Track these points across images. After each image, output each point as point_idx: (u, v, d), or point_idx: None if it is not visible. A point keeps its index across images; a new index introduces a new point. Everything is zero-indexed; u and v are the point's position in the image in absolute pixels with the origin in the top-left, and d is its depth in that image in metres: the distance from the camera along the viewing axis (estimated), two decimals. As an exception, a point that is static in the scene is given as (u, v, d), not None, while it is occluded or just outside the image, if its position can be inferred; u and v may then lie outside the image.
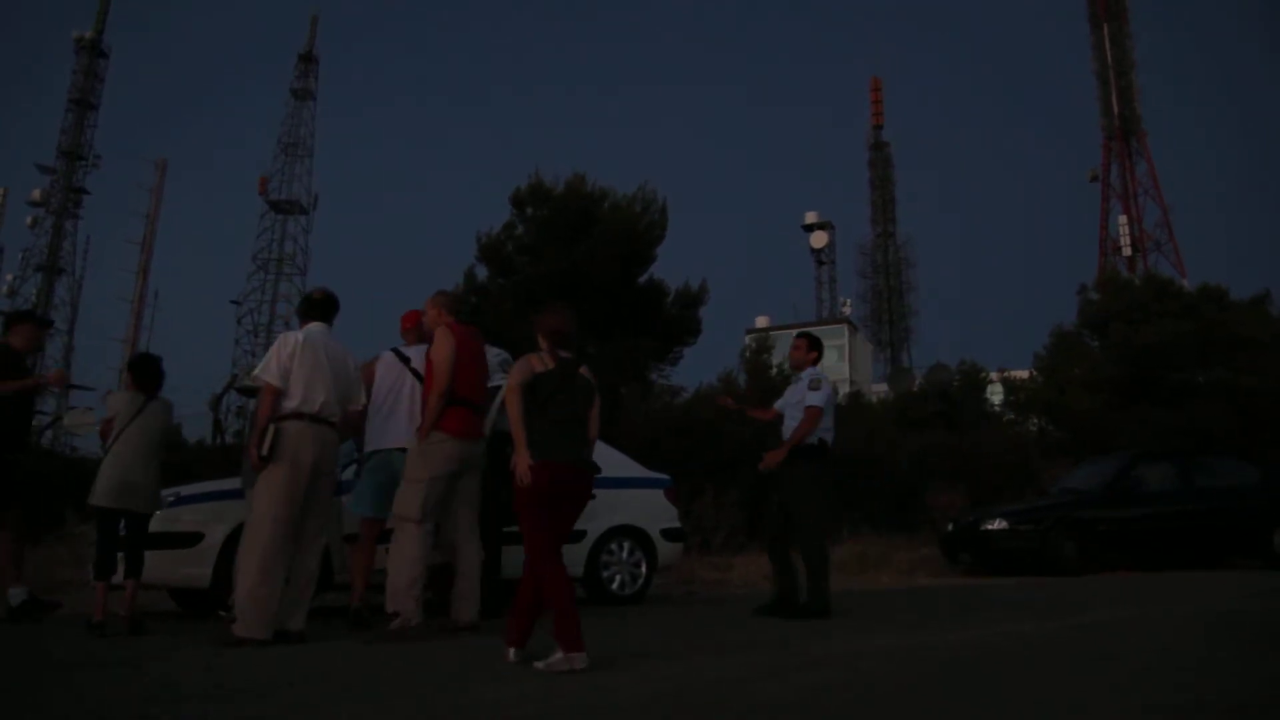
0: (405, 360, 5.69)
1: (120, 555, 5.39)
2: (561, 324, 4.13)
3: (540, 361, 4.02)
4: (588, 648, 3.65)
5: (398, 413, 5.55)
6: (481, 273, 18.12)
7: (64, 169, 47.17)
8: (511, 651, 3.95)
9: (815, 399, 6.00)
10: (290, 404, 4.81)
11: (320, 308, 5.29)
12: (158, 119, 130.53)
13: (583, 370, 4.15)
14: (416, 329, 5.87)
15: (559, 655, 3.67)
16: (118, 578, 5.34)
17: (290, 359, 4.85)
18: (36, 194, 47.52)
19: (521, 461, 3.85)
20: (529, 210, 17.86)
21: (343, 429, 5.25)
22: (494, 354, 6.69)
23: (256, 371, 4.84)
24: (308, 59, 51.07)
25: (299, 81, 50.67)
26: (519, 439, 3.91)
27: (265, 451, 4.66)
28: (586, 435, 4.12)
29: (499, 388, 5.98)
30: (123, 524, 5.41)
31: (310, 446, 4.81)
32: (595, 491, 7.01)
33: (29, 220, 47.56)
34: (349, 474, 6.00)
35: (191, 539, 5.81)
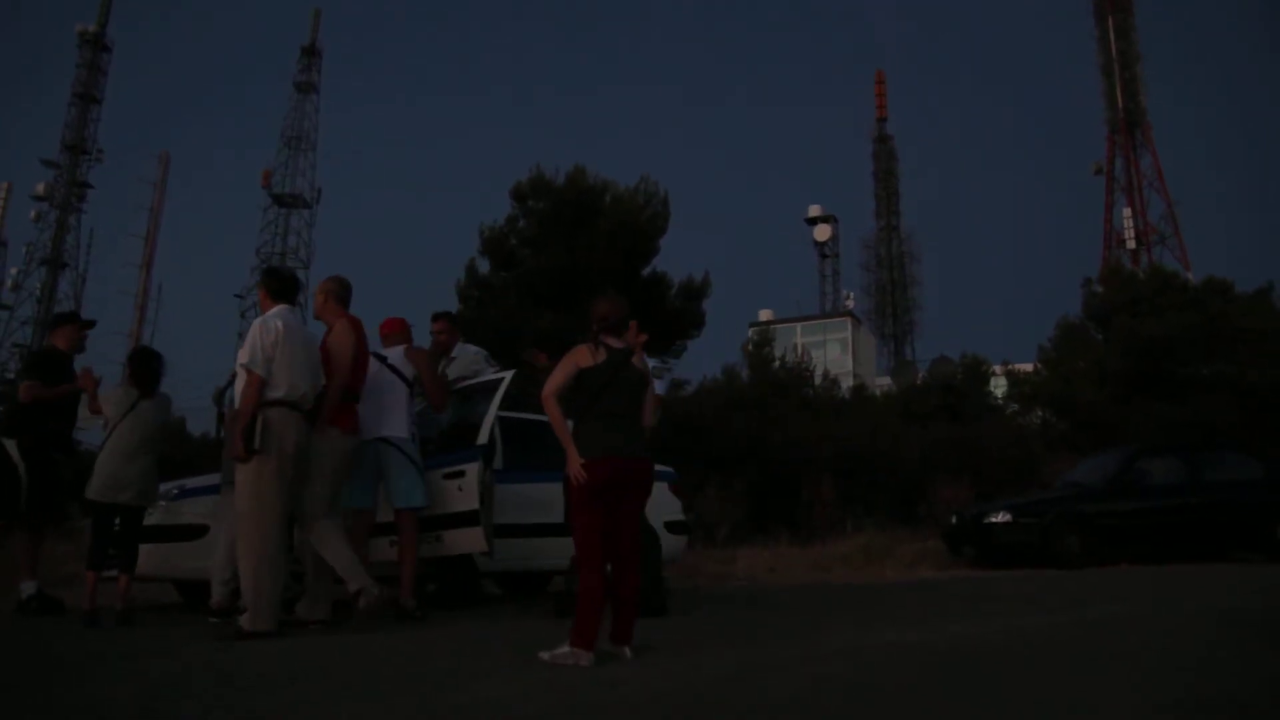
0: (382, 359, 5.80)
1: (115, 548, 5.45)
2: (612, 311, 4.06)
3: (590, 354, 3.94)
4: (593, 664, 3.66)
5: (380, 406, 5.63)
6: (484, 265, 18.16)
7: (67, 163, 47.17)
8: (626, 650, 3.91)
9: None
10: (275, 393, 4.72)
11: (291, 287, 5.23)
12: (161, 113, 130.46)
13: (635, 360, 4.07)
14: (395, 335, 5.98)
15: (566, 649, 3.67)
16: (114, 571, 5.42)
17: (274, 347, 4.74)
18: (40, 188, 47.53)
19: (573, 462, 3.81)
20: (530, 203, 17.86)
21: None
22: (471, 350, 6.74)
23: (243, 361, 4.70)
24: (311, 52, 51.00)
25: (302, 75, 50.62)
26: (565, 442, 3.86)
27: (256, 443, 4.58)
28: (640, 426, 4.06)
29: (492, 382, 6.02)
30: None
31: (294, 435, 4.76)
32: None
33: (33, 214, 47.58)
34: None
35: (196, 531, 5.82)
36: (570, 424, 3.97)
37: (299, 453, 4.80)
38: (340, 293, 5.38)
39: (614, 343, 4.02)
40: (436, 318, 6.58)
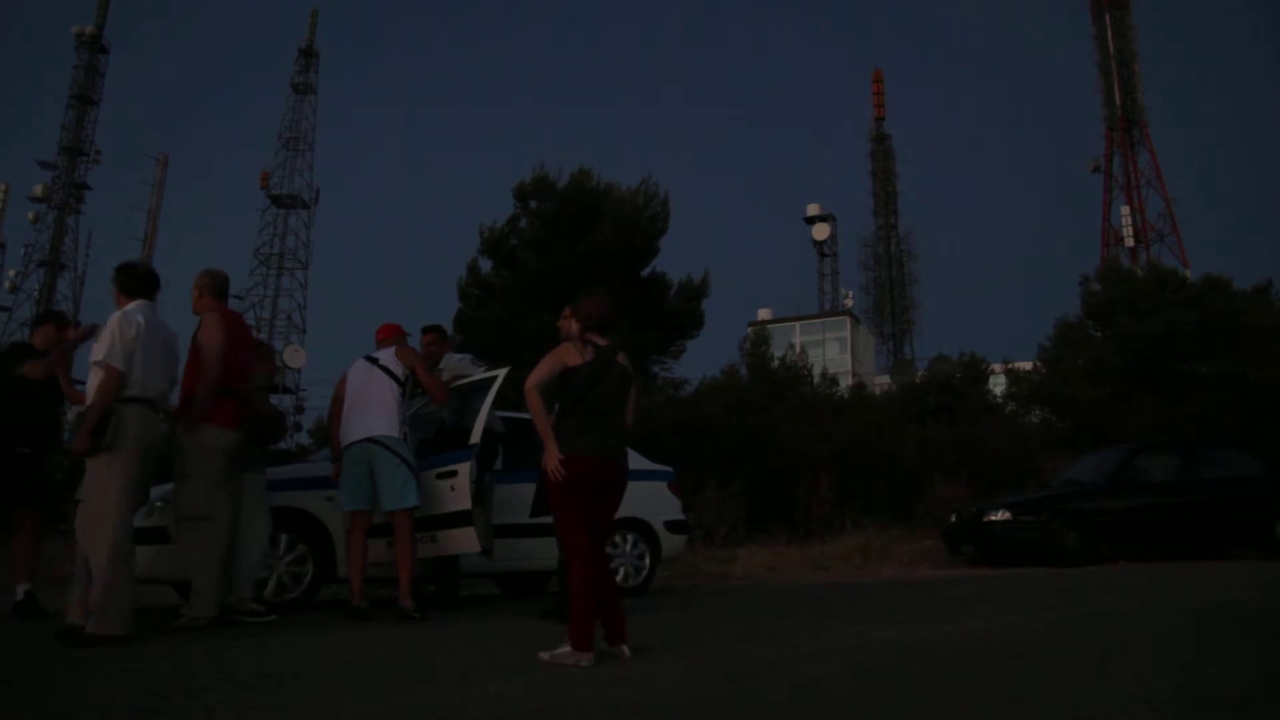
0: (374, 360, 5.85)
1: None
2: (598, 309, 4.04)
3: (576, 352, 3.93)
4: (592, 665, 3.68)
5: (367, 405, 5.68)
6: (485, 266, 18.17)
7: (65, 165, 47.12)
8: (624, 648, 3.90)
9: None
10: (132, 390, 4.56)
11: (147, 284, 4.98)
12: (159, 114, 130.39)
13: (620, 358, 4.06)
14: (390, 340, 6.00)
15: (566, 649, 3.68)
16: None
17: (135, 342, 4.58)
18: (38, 190, 47.46)
19: (550, 457, 3.78)
20: (531, 203, 17.88)
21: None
22: (456, 357, 6.76)
23: (99, 357, 4.50)
24: (308, 53, 50.93)
25: (300, 76, 50.55)
26: (544, 435, 3.84)
27: (108, 440, 4.44)
28: (622, 427, 4.05)
29: (486, 380, 6.05)
30: None
31: (149, 433, 4.65)
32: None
33: (31, 216, 47.52)
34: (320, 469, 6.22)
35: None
36: (552, 418, 3.96)
37: (153, 451, 4.69)
38: (215, 286, 5.26)
39: (600, 341, 4.02)
40: (426, 330, 6.63)
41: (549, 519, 4.12)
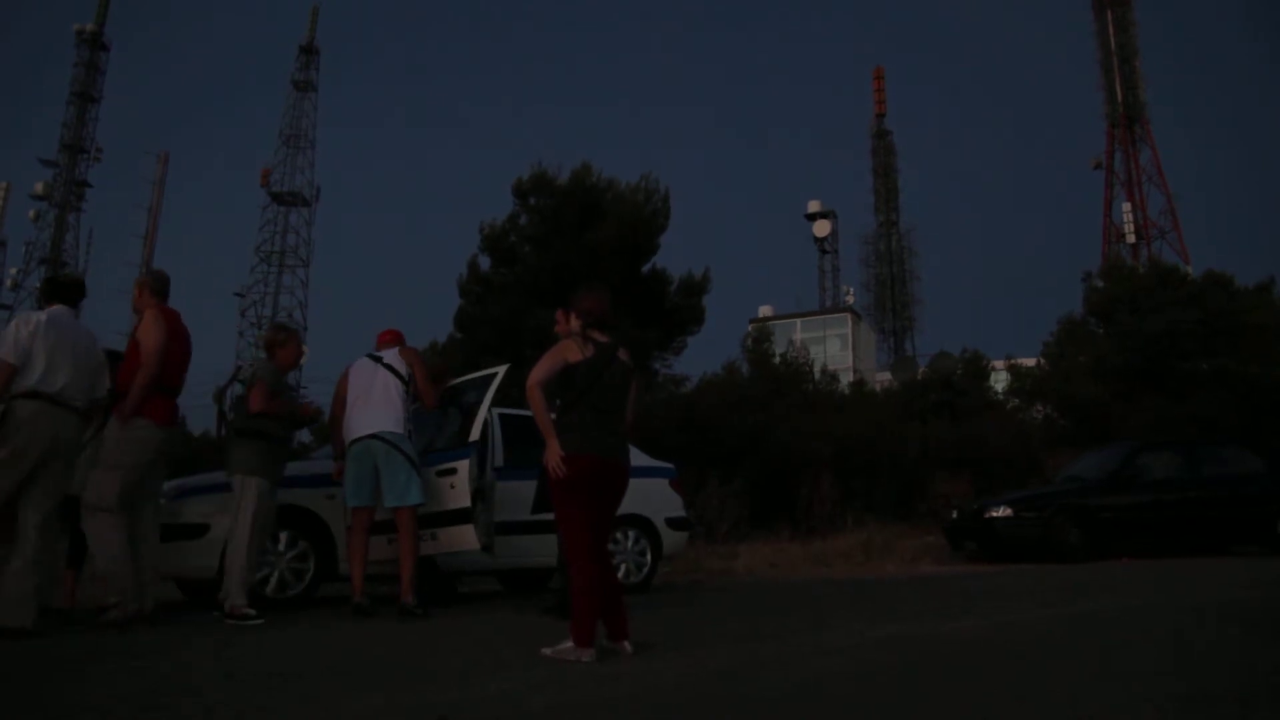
0: (377, 359, 5.86)
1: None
2: (597, 305, 3.99)
3: (576, 349, 3.88)
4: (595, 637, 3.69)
5: (372, 401, 5.67)
6: (485, 263, 18.15)
7: (66, 163, 47.17)
8: (626, 644, 3.89)
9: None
10: (26, 382, 4.59)
11: (65, 290, 5.10)
12: (159, 112, 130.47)
13: (621, 354, 4.03)
14: (389, 345, 6.00)
15: (569, 645, 3.68)
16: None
17: (30, 338, 4.63)
18: (39, 187, 47.53)
19: (552, 455, 3.75)
20: (531, 200, 17.86)
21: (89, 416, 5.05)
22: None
23: None
24: (309, 51, 50.96)
25: (300, 73, 50.58)
26: (546, 432, 3.81)
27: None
28: (623, 424, 4.03)
29: (485, 377, 6.04)
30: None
31: (46, 427, 4.64)
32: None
33: (32, 214, 47.59)
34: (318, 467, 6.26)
35: (197, 530, 5.83)
36: (553, 415, 3.94)
37: (51, 446, 4.65)
38: (155, 285, 5.25)
39: (601, 337, 3.99)
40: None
41: (550, 515, 4.11)
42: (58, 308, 4.94)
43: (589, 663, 3.59)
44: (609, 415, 3.92)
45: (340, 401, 5.83)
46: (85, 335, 4.96)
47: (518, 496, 6.14)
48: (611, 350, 3.97)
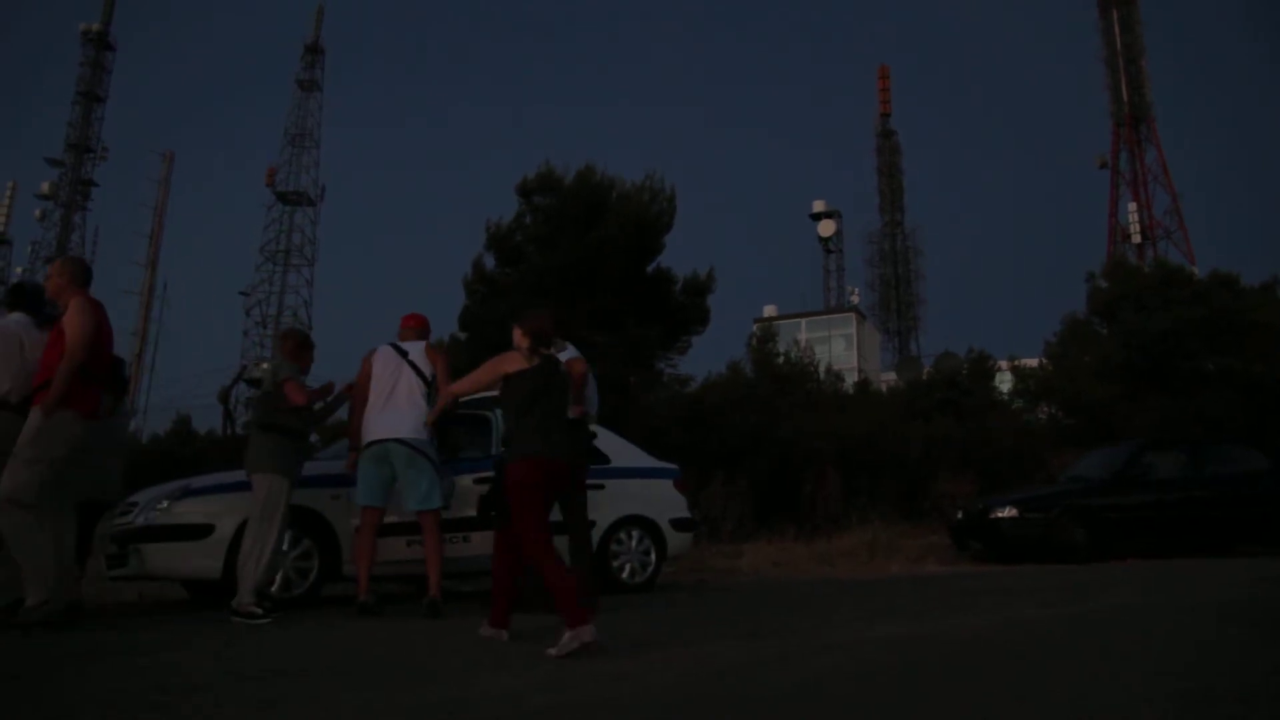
0: (403, 354, 5.76)
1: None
2: (544, 327, 4.33)
3: (515, 362, 4.23)
4: (597, 638, 3.70)
5: (395, 404, 5.61)
6: (490, 262, 18.14)
7: (72, 162, 47.33)
8: (504, 633, 4.36)
9: None
10: None
11: (28, 298, 5.36)
12: (165, 111, 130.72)
13: (561, 368, 4.43)
14: (417, 330, 5.96)
15: (567, 635, 3.70)
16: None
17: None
18: (45, 187, 47.72)
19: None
20: (536, 199, 17.85)
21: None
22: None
23: None
24: (314, 50, 51.06)
25: (305, 73, 50.69)
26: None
27: None
28: (571, 429, 4.37)
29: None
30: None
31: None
32: (604, 482, 7.07)
33: (38, 213, 47.79)
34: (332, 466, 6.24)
35: (202, 531, 5.84)
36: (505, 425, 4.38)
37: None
38: (77, 273, 5.12)
39: (546, 351, 4.34)
40: None
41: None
42: (17, 315, 5.16)
43: (592, 639, 3.70)
44: (551, 422, 4.25)
45: (362, 389, 5.73)
46: (8, 333, 5.09)
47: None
48: (553, 364, 4.37)
